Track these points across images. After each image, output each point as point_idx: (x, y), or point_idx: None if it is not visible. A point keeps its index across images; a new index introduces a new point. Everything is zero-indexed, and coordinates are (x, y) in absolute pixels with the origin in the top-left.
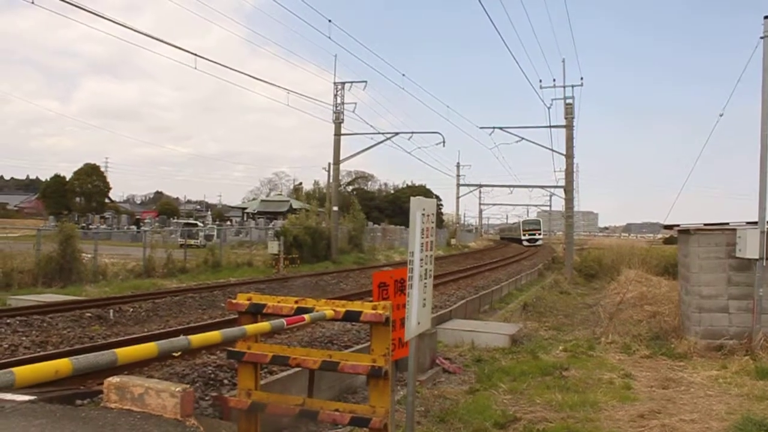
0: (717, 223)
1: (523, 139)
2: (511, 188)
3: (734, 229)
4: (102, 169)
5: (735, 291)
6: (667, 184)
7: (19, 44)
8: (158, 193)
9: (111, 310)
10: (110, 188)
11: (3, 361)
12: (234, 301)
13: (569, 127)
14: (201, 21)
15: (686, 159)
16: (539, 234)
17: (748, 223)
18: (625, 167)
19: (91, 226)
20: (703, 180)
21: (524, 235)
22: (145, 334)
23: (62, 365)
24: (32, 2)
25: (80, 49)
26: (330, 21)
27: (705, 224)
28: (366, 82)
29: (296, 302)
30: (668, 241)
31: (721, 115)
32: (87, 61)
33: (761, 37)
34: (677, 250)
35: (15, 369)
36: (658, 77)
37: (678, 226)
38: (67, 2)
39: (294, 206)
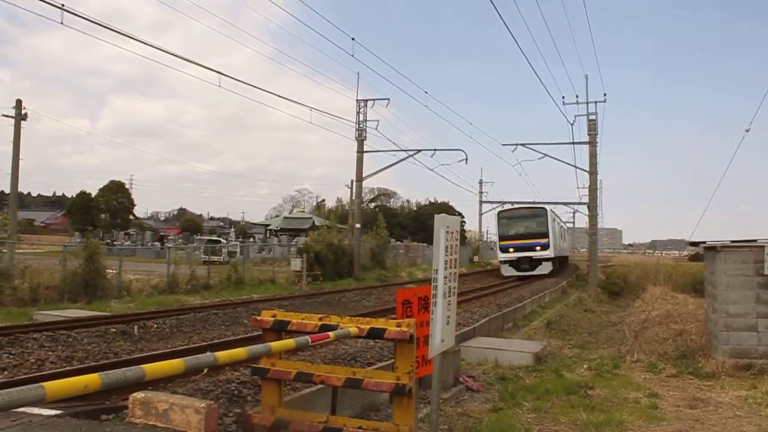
0: (744, 239)
1: (546, 155)
2: None
3: (762, 246)
4: (127, 186)
5: (764, 309)
6: (693, 200)
7: (50, 63)
8: (182, 210)
9: (135, 326)
10: (135, 205)
11: (30, 375)
12: (259, 317)
13: (593, 143)
14: (228, 40)
15: (713, 174)
16: (543, 246)
17: None
18: (650, 183)
19: (115, 243)
20: (730, 196)
21: (505, 250)
22: (170, 350)
23: (91, 380)
24: (61, 23)
25: (109, 68)
26: (353, 39)
27: (732, 241)
28: (388, 99)
29: (320, 319)
30: (694, 258)
31: (747, 131)
32: (115, 80)
33: None
34: (704, 267)
35: (45, 384)
36: (683, 91)
37: (704, 242)
38: (96, 23)
39: (316, 223)
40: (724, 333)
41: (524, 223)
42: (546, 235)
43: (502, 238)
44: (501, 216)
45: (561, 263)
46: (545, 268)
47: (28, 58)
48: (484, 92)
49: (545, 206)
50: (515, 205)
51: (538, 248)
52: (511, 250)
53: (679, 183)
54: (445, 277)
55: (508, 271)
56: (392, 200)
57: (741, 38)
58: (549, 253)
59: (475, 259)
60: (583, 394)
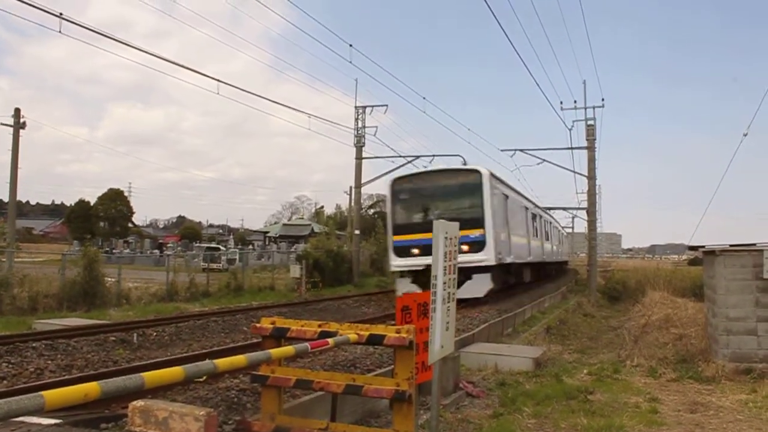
0: (743, 244)
1: (544, 161)
2: None
3: (761, 250)
4: (126, 194)
5: (763, 313)
6: (692, 205)
7: (49, 72)
8: (181, 218)
9: (135, 334)
10: (133, 213)
11: (29, 384)
12: (258, 324)
13: (591, 148)
14: (227, 48)
15: (712, 178)
16: (473, 244)
17: None
18: (649, 188)
19: (114, 251)
20: (729, 200)
21: (403, 251)
22: (169, 357)
23: (91, 389)
24: (59, 31)
25: (108, 76)
26: (351, 46)
27: (731, 245)
28: (387, 105)
29: (320, 326)
30: (693, 262)
31: (745, 135)
32: (114, 88)
33: None
34: (703, 271)
35: (45, 393)
36: (681, 95)
37: (703, 247)
38: (94, 31)
39: (315, 230)
40: (724, 337)
41: (440, 200)
42: (480, 223)
43: (397, 228)
44: (398, 187)
45: (541, 271)
46: (478, 287)
47: (27, 66)
48: (482, 98)
49: (480, 168)
50: (427, 168)
51: (464, 248)
52: (414, 251)
53: (679, 187)
54: (445, 283)
55: (406, 290)
56: None
57: (740, 41)
58: (486, 256)
59: None
60: (584, 399)
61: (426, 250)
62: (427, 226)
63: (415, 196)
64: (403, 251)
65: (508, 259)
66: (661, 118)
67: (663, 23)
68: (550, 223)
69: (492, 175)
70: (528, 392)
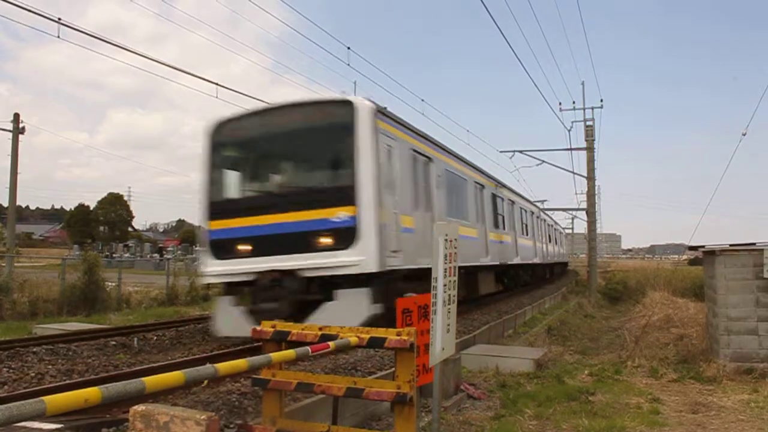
0: (743, 243)
1: (543, 162)
2: None
3: (761, 250)
4: (125, 199)
5: (763, 312)
6: (691, 205)
7: (49, 77)
8: (181, 221)
9: (135, 338)
10: (133, 217)
11: (30, 389)
12: (258, 328)
13: (590, 149)
14: (226, 52)
15: (711, 178)
16: (335, 232)
17: None
18: (648, 188)
19: (114, 255)
20: (728, 200)
21: (224, 250)
22: (170, 362)
23: (92, 394)
24: (57, 36)
25: (108, 81)
26: (349, 48)
27: (731, 245)
28: (386, 107)
29: (320, 329)
30: (693, 262)
31: (744, 134)
32: (114, 93)
33: None
34: (703, 271)
35: (46, 398)
36: (681, 96)
37: (703, 247)
38: (92, 35)
39: None
40: (725, 337)
41: (285, 157)
42: (348, 196)
43: (215, 208)
44: (218, 138)
45: (520, 278)
46: (344, 312)
47: (27, 71)
48: (481, 99)
49: (354, 99)
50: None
51: (323, 240)
52: (244, 247)
53: (678, 187)
54: (445, 285)
55: (229, 321)
56: None
57: (737, 43)
58: (359, 256)
59: None
60: (585, 400)
61: (265, 244)
62: (265, 203)
63: (246, 152)
64: (224, 248)
65: (427, 262)
66: (660, 119)
67: (661, 25)
68: (533, 214)
69: (380, 111)
70: (529, 393)
